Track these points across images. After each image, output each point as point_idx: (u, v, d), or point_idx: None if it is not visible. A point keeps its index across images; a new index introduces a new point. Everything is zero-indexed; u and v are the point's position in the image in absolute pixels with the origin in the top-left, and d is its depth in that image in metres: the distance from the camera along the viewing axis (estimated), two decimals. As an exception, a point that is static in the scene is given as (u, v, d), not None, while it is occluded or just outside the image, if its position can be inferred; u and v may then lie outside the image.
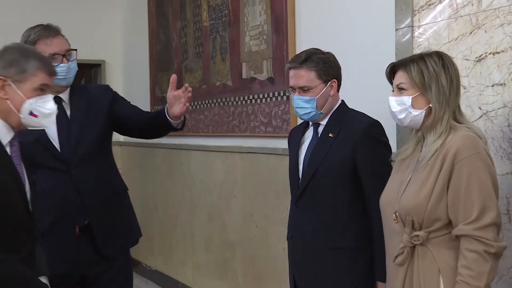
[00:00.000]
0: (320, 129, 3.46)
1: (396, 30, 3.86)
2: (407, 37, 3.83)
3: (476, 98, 3.40)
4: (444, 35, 3.59)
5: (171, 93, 3.38)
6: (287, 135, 3.92)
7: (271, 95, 5.38)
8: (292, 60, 3.47)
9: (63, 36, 3.52)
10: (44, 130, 3.27)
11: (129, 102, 3.83)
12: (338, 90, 3.47)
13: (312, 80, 3.35)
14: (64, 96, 3.48)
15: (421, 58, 2.90)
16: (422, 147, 2.96)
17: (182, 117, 3.37)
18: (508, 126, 3.22)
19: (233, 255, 6.07)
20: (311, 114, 3.40)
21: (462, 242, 2.69)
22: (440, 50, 3.15)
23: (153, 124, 3.49)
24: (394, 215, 2.90)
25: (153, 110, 3.74)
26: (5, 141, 2.42)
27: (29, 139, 3.14)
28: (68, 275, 3.37)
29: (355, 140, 3.33)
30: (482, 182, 2.69)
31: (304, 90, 3.35)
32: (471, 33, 3.43)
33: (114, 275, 3.63)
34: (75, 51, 3.51)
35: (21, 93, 2.39)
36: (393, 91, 2.95)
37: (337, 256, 3.28)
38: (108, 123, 3.58)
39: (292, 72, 3.40)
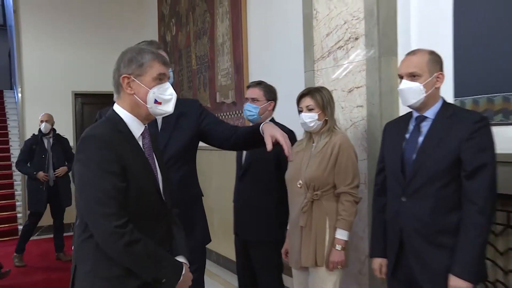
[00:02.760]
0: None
1: (305, 72, 3.88)
2: (311, 76, 3.82)
3: (348, 114, 3.44)
4: (331, 76, 3.61)
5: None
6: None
7: (234, 113, 5.45)
8: (251, 83, 3.61)
9: (164, 51, 2.81)
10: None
11: (216, 116, 3.06)
12: (273, 109, 3.57)
13: (260, 95, 3.46)
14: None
15: (318, 90, 3.02)
16: (312, 143, 3.06)
17: None
18: (365, 131, 3.30)
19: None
20: (254, 117, 3.46)
21: (341, 196, 2.91)
22: (325, 86, 3.36)
23: (245, 139, 2.71)
24: (298, 183, 2.99)
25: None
26: (137, 135, 2.03)
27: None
28: None
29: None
30: (353, 163, 2.91)
31: (253, 100, 3.46)
32: (345, 75, 3.47)
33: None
34: (172, 65, 2.94)
35: (144, 85, 1.98)
36: (301, 110, 3.00)
37: None
38: (194, 133, 2.85)
39: (250, 90, 3.53)
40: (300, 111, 3.03)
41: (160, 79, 2.01)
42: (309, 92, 3.01)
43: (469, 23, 2.89)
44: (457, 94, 2.93)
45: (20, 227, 8.31)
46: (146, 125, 2.08)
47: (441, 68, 2.48)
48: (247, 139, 2.72)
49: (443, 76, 2.48)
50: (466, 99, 2.88)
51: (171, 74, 2.61)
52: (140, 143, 2.03)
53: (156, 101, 1.99)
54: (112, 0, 8.85)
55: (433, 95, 2.44)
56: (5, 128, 10.12)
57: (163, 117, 2.61)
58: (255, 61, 5.19)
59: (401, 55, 3.16)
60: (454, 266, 2.27)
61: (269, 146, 2.43)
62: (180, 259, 2.08)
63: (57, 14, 8.72)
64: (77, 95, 8.96)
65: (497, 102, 2.74)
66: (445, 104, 2.48)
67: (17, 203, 8.61)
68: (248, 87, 3.62)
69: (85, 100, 9.08)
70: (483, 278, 2.46)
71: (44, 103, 8.23)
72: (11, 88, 11.73)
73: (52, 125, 6.48)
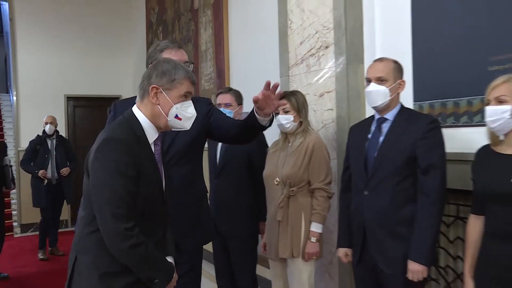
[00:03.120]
0: None
1: (280, 77, 3.91)
2: (286, 81, 3.86)
3: (320, 117, 3.48)
4: (304, 81, 3.66)
5: (261, 95, 2.37)
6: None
7: (217, 115, 5.57)
8: (222, 90, 3.65)
9: (184, 51, 2.71)
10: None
11: (224, 114, 2.87)
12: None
13: (233, 100, 3.52)
14: None
15: (293, 93, 3.07)
16: (288, 143, 3.07)
17: (271, 115, 2.51)
18: (335, 132, 3.35)
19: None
20: None
21: (315, 192, 2.93)
22: (299, 90, 3.43)
23: (244, 128, 2.58)
24: (275, 181, 3.00)
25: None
26: (151, 140, 2.00)
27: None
28: None
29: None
30: (326, 161, 2.96)
31: (227, 105, 3.49)
32: (317, 80, 3.53)
33: (187, 269, 2.65)
34: (192, 64, 2.76)
35: (170, 99, 1.95)
36: (278, 113, 2.96)
37: None
38: (202, 130, 2.68)
39: (222, 96, 3.56)
40: (276, 113, 2.99)
41: (186, 96, 1.99)
42: (284, 95, 3.00)
43: (425, 35, 2.98)
44: (416, 98, 3.02)
45: (15, 224, 8.34)
46: (159, 133, 2.05)
47: (402, 76, 2.60)
48: (245, 125, 2.56)
49: (404, 83, 2.60)
50: (424, 103, 2.98)
51: None
52: (152, 148, 2.01)
53: (177, 116, 1.97)
54: (103, 9, 8.85)
55: (395, 99, 2.56)
56: (1, 129, 10.11)
57: None
58: (236, 67, 5.23)
59: (367, 63, 3.24)
60: (411, 252, 2.38)
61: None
62: (169, 259, 2.07)
63: (51, 22, 8.73)
64: (69, 99, 8.95)
65: (449, 107, 2.84)
66: (402, 107, 2.60)
67: (12, 201, 8.60)
68: (219, 93, 3.64)
69: (77, 103, 9.09)
70: (435, 262, 2.57)
71: (38, 106, 8.23)
72: (7, 92, 11.67)
73: (56, 126, 6.59)
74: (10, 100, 10.02)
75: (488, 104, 2.09)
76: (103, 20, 8.67)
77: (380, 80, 2.52)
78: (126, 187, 1.81)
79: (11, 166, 5.75)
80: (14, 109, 8.75)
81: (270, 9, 4.18)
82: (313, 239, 2.90)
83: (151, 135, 2.00)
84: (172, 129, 2.05)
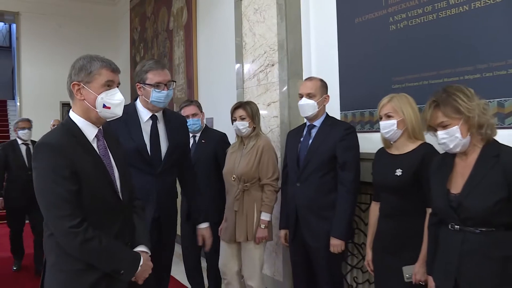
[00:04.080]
0: (196, 138, 3.45)
1: (236, 89, 3.98)
2: (241, 93, 3.93)
3: (267, 123, 3.58)
4: (255, 92, 3.75)
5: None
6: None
7: (188, 119, 5.61)
8: (186, 103, 3.48)
9: (167, 70, 2.49)
10: (143, 140, 2.38)
11: (189, 154, 2.81)
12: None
13: (197, 110, 3.42)
14: (159, 115, 2.46)
15: (248, 103, 3.08)
16: (243, 145, 3.06)
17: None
18: (279, 136, 3.45)
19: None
20: (199, 127, 3.41)
21: (265, 187, 2.93)
22: (252, 100, 3.51)
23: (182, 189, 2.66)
24: (232, 177, 2.98)
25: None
26: (91, 137, 1.78)
27: (131, 145, 2.30)
28: None
29: (216, 141, 3.40)
30: (273, 161, 2.97)
31: (194, 115, 3.38)
32: (265, 92, 3.64)
33: (163, 254, 2.50)
34: (174, 82, 2.56)
35: (92, 91, 1.73)
36: (235, 119, 3.00)
37: None
38: (185, 146, 2.61)
39: (188, 108, 3.41)
40: (234, 120, 3.05)
41: (109, 85, 1.78)
42: (241, 105, 3.04)
43: (348, 58, 3.15)
44: (342, 108, 3.17)
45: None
46: (100, 127, 1.85)
47: (327, 92, 2.76)
48: (183, 193, 2.69)
49: (328, 97, 2.76)
50: (348, 112, 3.14)
51: (171, 92, 2.43)
52: (95, 145, 1.80)
53: (105, 106, 1.77)
54: (94, 29, 8.83)
55: (322, 110, 2.73)
56: (7, 131, 10.02)
57: (166, 129, 2.46)
58: (203, 79, 5.25)
59: (305, 78, 3.38)
60: (332, 230, 2.56)
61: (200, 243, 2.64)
62: (141, 248, 1.88)
63: (50, 40, 8.74)
64: (64, 104, 8.88)
65: (366, 116, 3.01)
66: (327, 116, 2.76)
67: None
68: (184, 106, 3.49)
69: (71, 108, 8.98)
70: (351, 238, 2.76)
71: (37, 111, 8.17)
72: (13, 98, 11.60)
73: None
74: (15, 105, 9.97)
75: (381, 119, 2.26)
76: (93, 38, 8.63)
77: (309, 96, 2.67)
78: (64, 187, 1.63)
79: None
80: (18, 113, 8.72)
81: (229, 32, 4.25)
82: (263, 226, 2.93)
83: (90, 131, 1.79)
84: (107, 120, 1.84)
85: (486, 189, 1.68)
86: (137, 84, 2.43)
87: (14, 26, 9.85)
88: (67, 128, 1.76)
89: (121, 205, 1.83)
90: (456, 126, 1.74)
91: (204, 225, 2.64)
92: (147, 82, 2.37)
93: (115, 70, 1.82)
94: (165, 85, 2.40)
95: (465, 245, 1.72)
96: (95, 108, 1.75)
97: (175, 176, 2.60)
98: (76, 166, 1.67)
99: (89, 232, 1.65)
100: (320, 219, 2.60)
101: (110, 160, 1.85)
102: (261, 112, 3.60)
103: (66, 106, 8.93)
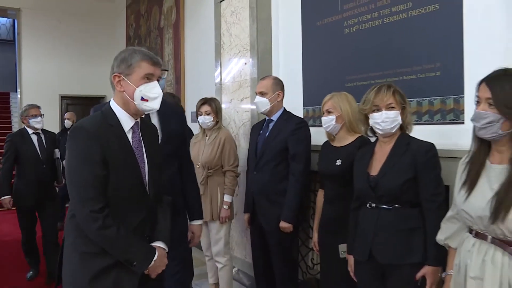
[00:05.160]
0: None
1: (215, 85, 4.21)
2: (219, 88, 4.16)
3: (241, 116, 3.84)
4: (231, 88, 4.01)
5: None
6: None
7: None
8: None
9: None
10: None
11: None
12: None
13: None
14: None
15: (212, 99, 3.28)
16: (206, 136, 3.27)
17: None
18: (249, 128, 3.51)
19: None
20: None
21: (226, 173, 3.19)
22: (227, 96, 3.78)
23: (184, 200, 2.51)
24: (197, 165, 3.14)
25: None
26: (127, 128, 1.79)
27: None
28: None
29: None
30: (234, 150, 3.24)
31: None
32: (239, 89, 3.89)
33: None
34: (166, 72, 2.39)
35: (132, 84, 1.74)
36: (201, 114, 3.21)
37: None
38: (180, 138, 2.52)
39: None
40: (200, 114, 3.26)
41: (148, 78, 1.78)
42: (206, 101, 3.25)
43: (309, 59, 3.42)
44: (304, 104, 3.45)
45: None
46: (138, 120, 1.85)
47: (281, 88, 3.01)
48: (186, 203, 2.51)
49: (282, 94, 3.01)
50: (309, 108, 3.41)
51: (163, 82, 2.33)
52: (130, 135, 1.81)
53: (142, 99, 1.76)
54: (92, 25, 9.10)
55: (276, 105, 2.97)
56: (10, 123, 10.34)
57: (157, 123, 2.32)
58: (189, 75, 5.50)
59: (275, 75, 3.65)
60: (282, 214, 2.81)
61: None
62: (158, 244, 1.85)
63: (50, 35, 9.01)
64: (63, 98, 9.24)
65: (317, 111, 3.29)
66: (284, 111, 3.02)
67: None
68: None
69: (69, 102, 9.37)
70: (299, 222, 2.98)
71: (37, 103, 8.45)
72: (16, 91, 11.88)
73: (73, 122, 6.27)
74: (17, 97, 10.28)
75: (323, 114, 2.54)
76: (92, 34, 8.92)
77: (262, 94, 2.93)
78: (92, 172, 1.66)
79: (60, 159, 4.44)
80: (19, 106, 9.02)
81: (211, 32, 4.49)
82: (226, 207, 3.21)
83: (126, 122, 1.80)
84: (145, 112, 1.84)
85: (398, 171, 1.98)
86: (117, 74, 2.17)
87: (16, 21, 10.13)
88: (105, 116, 1.78)
89: (146, 199, 1.82)
90: (398, 111, 2.03)
91: (198, 222, 2.55)
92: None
93: (156, 63, 1.80)
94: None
95: (379, 221, 2.01)
96: (133, 100, 1.76)
97: (175, 168, 2.48)
98: (107, 153, 1.69)
99: (108, 219, 1.66)
100: (273, 204, 2.85)
101: (143, 153, 1.84)
102: (235, 107, 3.91)
103: (65, 99, 9.26)
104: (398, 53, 2.72)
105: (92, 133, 1.69)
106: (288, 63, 3.64)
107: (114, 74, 1.78)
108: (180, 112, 2.58)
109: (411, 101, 2.57)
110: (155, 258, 1.79)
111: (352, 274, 2.21)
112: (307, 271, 3.41)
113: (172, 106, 2.58)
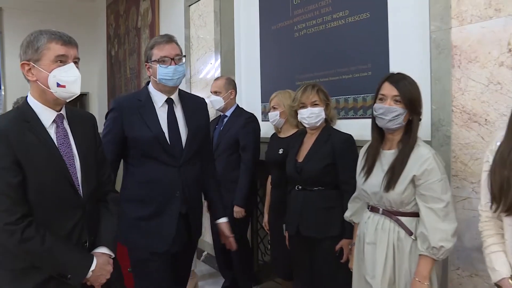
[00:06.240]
0: None
1: (185, 83, 4.44)
2: (189, 86, 4.39)
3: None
4: (199, 86, 4.27)
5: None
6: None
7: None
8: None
9: (177, 44, 2.19)
10: (160, 127, 2.10)
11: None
12: None
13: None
14: (175, 97, 2.20)
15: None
16: None
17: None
18: None
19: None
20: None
21: None
22: (199, 92, 4.05)
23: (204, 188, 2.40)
24: None
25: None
26: (47, 123, 1.57)
27: (148, 134, 2.08)
28: (166, 252, 2.13)
29: None
30: None
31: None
32: (205, 86, 4.12)
33: (190, 254, 2.41)
34: (184, 57, 2.21)
35: (43, 69, 1.52)
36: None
37: None
38: (206, 134, 2.36)
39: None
40: None
41: (61, 61, 1.56)
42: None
43: (265, 58, 3.76)
44: (262, 101, 3.78)
45: None
46: (62, 112, 1.65)
47: (233, 87, 3.34)
48: (205, 192, 2.43)
49: (235, 92, 3.34)
50: (266, 104, 3.72)
51: (182, 67, 2.14)
52: (52, 131, 1.60)
53: (59, 85, 1.54)
54: (74, 24, 9.10)
55: (229, 103, 3.31)
56: (-6, 119, 10.54)
57: (184, 115, 2.18)
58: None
59: (237, 74, 3.99)
60: (234, 199, 3.12)
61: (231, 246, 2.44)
62: (100, 249, 1.66)
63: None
64: (46, 94, 9.46)
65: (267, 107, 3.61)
66: (237, 107, 3.36)
67: None
68: None
69: (53, 98, 9.55)
70: (250, 206, 3.27)
71: (20, 99, 8.74)
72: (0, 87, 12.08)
73: None
74: (0, 95, 10.51)
75: (270, 110, 2.88)
76: (74, 33, 8.70)
77: (216, 93, 3.27)
78: (4, 180, 1.46)
79: None
80: (3, 102, 9.27)
81: (182, 33, 4.73)
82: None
83: (47, 116, 1.59)
84: (66, 100, 1.62)
85: (319, 158, 2.33)
86: (146, 64, 2.21)
87: (0, 19, 10.35)
88: (21, 112, 1.58)
89: (79, 201, 1.62)
90: (322, 108, 2.37)
91: (224, 220, 2.43)
92: (153, 58, 2.15)
93: (67, 42, 1.59)
94: (172, 59, 2.13)
95: (305, 201, 2.36)
96: (49, 88, 1.55)
97: (200, 166, 2.32)
98: (20, 155, 1.49)
99: (29, 230, 1.47)
100: (227, 191, 3.11)
101: (71, 149, 1.63)
102: (208, 99, 4.20)
103: (47, 96, 9.49)
104: (338, 55, 3.06)
105: (1, 136, 1.48)
106: (249, 62, 3.97)
107: (22, 63, 1.58)
108: (205, 105, 2.43)
109: (348, 97, 2.93)
110: (92, 267, 1.59)
111: (288, 247, 2.56)
112: (265, 252, 3.75)
113: (197, 99, 2.43)
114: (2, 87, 9.43)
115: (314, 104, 2.38)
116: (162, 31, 5.77)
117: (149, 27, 6.12)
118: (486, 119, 2.08)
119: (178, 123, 2.18)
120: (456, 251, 2.17)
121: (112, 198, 1.81)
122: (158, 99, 2.16)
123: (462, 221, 2.11)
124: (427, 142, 2.20)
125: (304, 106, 2.39)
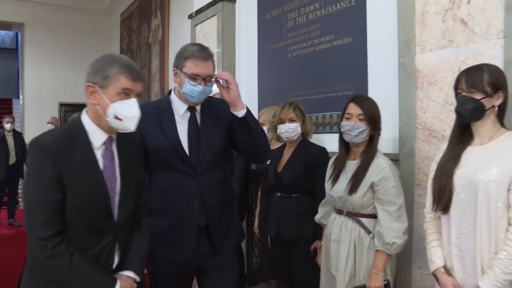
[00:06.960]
0: None
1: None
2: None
3: None
4: None
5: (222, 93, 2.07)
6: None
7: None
8: None
9: (213, 62, 2.06)
10: (177, 136, 2.02)
11: None
12: None
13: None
14: (197, 106, 2.09)
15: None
16: None
17: (244, 108, 2.03)
18: None
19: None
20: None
21: None
22: None
23: (241, 137, 2.06)
24: None
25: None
26: (97, 144, 1.58)
27: (165, 143, 2.00)
28: (187, 265, 2.08)
29: None
30: None
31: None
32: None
33: (226, 272, 2.16)
34: (213, 78, 2.03)
35: (106, 98, 1.52)
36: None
37: None
38: (227, 135, 2.11)
39: None
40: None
41: (126, 94, 1.55)
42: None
43: (262, 76, 4.07)
44: (259, 107, 4.09)
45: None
46: (114, 135, 1.65)
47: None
48: (238, 130, 2.08)
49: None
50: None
51: (209, 88, 2.04)
52: (99, 152, 1.60)
53: (116, 117, 1.54)
54: (89, 38, 9.74)
55: None
56: (12, 127, 10.99)
57: (200, 121, 2.06)
58: (172, 86, 6.12)
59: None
60: None
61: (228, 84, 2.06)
62: (126, 273, 1.66)
63: (50, 47, 9.71)
64: (62, 105, 9.94)
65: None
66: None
67: None
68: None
69: (68, 108, 10.00)
70: (243, 211, 3.54)
71: (38, 110, 9.24)
72: (18, 97, 12.57)
73: (56, 126, 6.76)
74: (19, 104, 10.99)
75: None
76: (88, 46, 9.44)
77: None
78: (42, 194, 1.48)
79: None
80: (21, 111, 9.73)
81: None
82: None
83: (97, 138, 1.60)
84: (119, 131, 1.63)
85: (296, 167, 2.64)
86: (174, 69, 2.10)
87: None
88: (72, 130, 1.59)
89: (112, 225, 1.63)
90: (299, 123, 2.68)
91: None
92: (184, 70, 2.02)
93: (136, 78, 1.58)
94: (203, 79, 2.01)
95: (283, 206, 2.66)
96: (106, 117, 1.55)
97: (225, 172, 2.23)
98: (64, 173, 1.50)
99: (60, 247, 1.49)
100: None
101: (115, 173, 1.64)
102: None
103: (63, 106, 9.93)
104: (324, 75, 3.37)
105: (46, 150, 1.50)
106: (248, 80, 4.28)
107: (88, 84, 1.57)
108: (226, 106, 2.16)
109: (332, 114, 3.24)
110: None
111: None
112: (260, 255, 4.04)
113: (223, 104, 2.16)
114: (21, 97, 9.90)
115: (291, 120, 2.69)
116: (172, 48, 6.16)
117: (160, 43, 6.50)
118: (443, 135, 2.36)
119: (200, 131, 2.06)
120: (419, 251, 2.44)
121: (146, 223, 1.80)
122: (180, 107, 2.07)
123: (423, 225, 2.39)
124: (395, 155, 2.52)
125: (282, 121, 2.70)
